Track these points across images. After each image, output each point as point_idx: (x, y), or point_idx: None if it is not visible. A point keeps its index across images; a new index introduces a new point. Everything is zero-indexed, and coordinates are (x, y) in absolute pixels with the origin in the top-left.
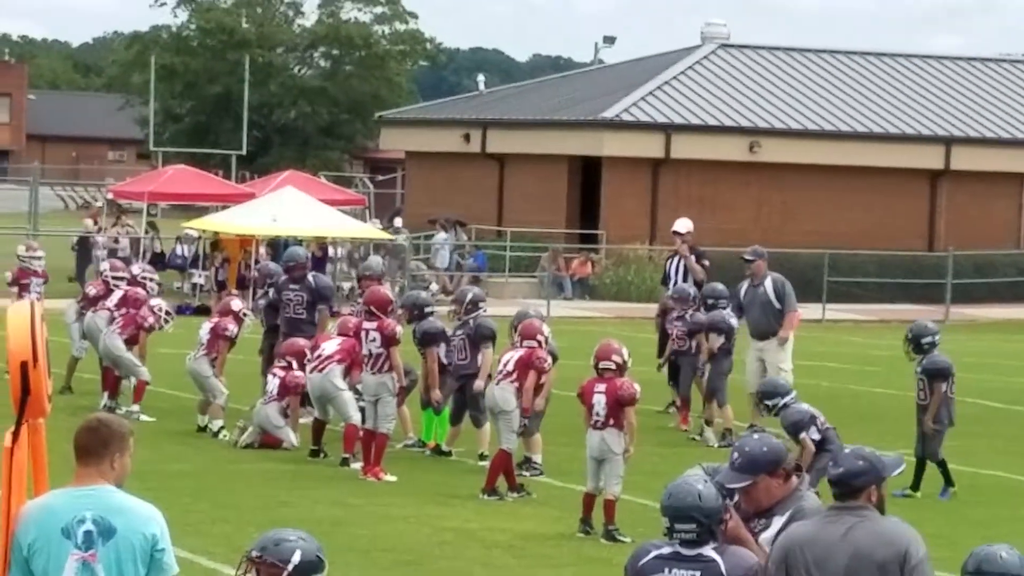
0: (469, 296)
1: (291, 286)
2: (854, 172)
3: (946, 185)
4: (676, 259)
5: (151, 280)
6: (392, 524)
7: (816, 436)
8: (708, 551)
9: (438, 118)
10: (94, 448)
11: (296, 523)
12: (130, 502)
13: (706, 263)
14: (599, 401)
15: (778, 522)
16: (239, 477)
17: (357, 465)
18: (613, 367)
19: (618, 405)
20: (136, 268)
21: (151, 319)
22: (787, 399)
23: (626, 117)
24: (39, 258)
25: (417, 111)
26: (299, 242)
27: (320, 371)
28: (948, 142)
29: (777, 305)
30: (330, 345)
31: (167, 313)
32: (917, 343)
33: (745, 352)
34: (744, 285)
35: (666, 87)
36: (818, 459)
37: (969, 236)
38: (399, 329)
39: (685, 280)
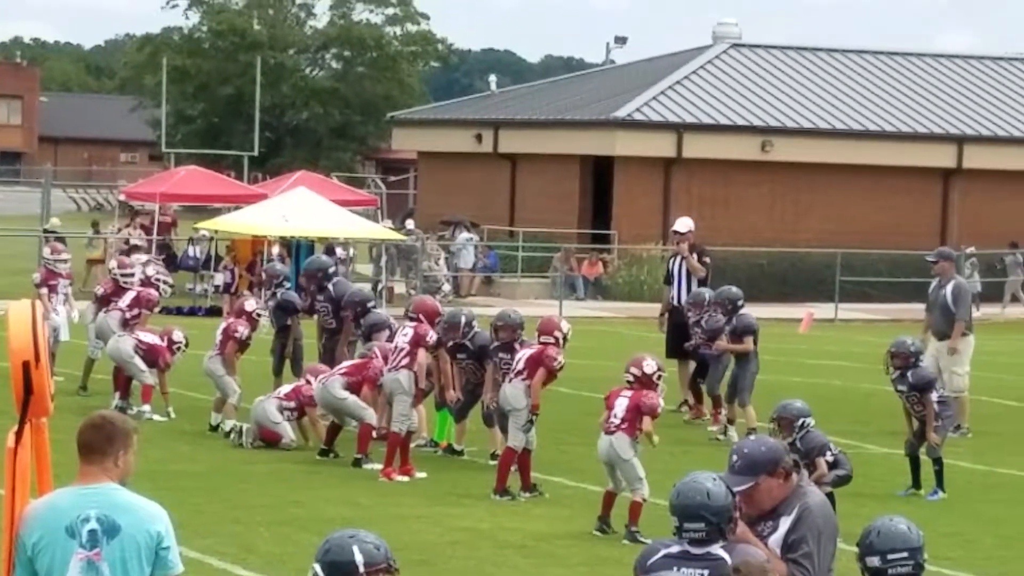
0: (463, 319)
1: (318, 297)
2: (866, 171)
3: (959, 184)
4: (679, 258)
5: (164, 282)
6: (404, 524)
7: (830, 459)
8: (716, 549)
9: (450, 118)
10: (98, 445)
11: (308, 523)
12: (135, 500)
13: (707, 260)
14: (620, 404)
15: (786, 522)
16: (251, 477)
17: (371, 466)
18: (631, 379)
19: (637, 411)
20: (151, 269)
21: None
22: (809, 421)
23: (638, 117)
24: (64, 260)
25: (429, 111)
26: (311, 243)
27: (322, 384)
28: (960, 141)
29: (953, 309)
30: (345, 363)
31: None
32: (904, 359)
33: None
34: (933, 284)
35: (678, 87)
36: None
37: (982, 235)
38: (433, 335)
39: (689, 279)
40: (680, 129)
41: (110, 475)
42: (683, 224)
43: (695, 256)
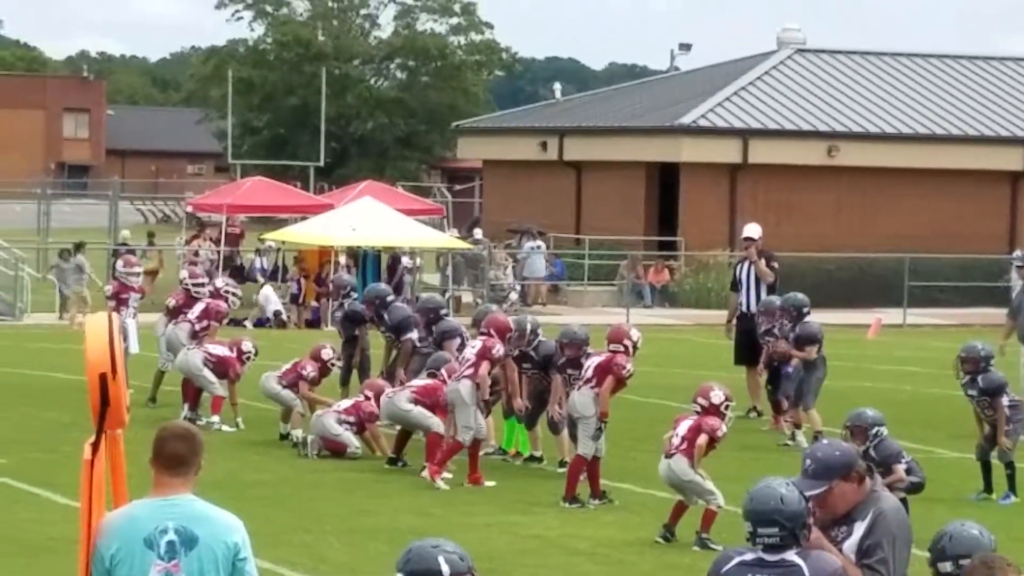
0: (528, 327)
1: (380, 327)
2: (933, 175)
3: None
4: (746, 264)
5: (233, 294)
6: (474, 532)
7: (904, 466)
8: (791, 556)
9: (515, 126)
10: (185, 456)
11: (377, 532)
12: (212, 511)
13: (775, 266)
14: (683, 426)
15: (860, 527)
16: (320, 486)
17: (446, 475)
18: (699, 408)
19: (698, 431)
20: (219, 281)
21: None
22: (883, 430)
23: (703, 123)
24: (137, 274)
25: (494, 120)
26: (378, 253)
27: (388, 397)
28: None
29: None
30: (416, 382)
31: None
32: (974, 364)
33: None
34: (1017, 288)
35: (743, 92)
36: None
37: None
38: (500, 349)
39: (758, 286)
40: (746, 135)
41: (189, 486)
42: (753, 230)
43: (763, 261)
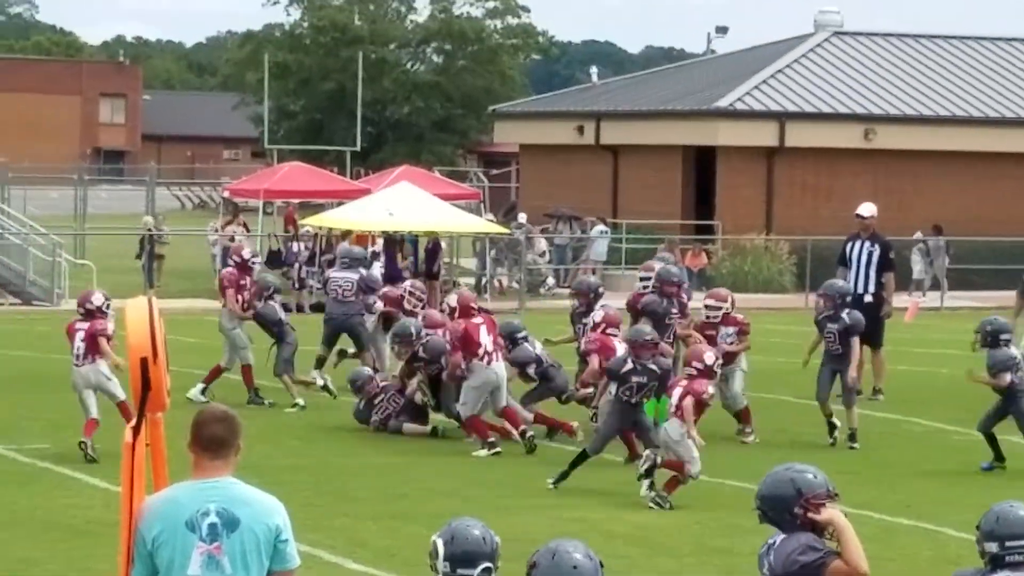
0: (412, 331)
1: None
2: (970, 158)
3: None
4: (858, 243)
5: (256, 263)
6: (511, 516)
7: None
8: None
9: (551, 110)
10: (226, 439)
11: (415, 516)
12: (254, 493)
13: (892, 256)
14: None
15: None
16: (357, 471)
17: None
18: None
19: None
20: (247, 252)
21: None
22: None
23: (740, 106)
24: None
25: (530, 104)
26: (415, 237)
27: None
28: None
29: None
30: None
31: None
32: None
33: None
34: None
35: (780, 75)
36: None
37: None
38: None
39: (868, 266)
40: (782, 118)
41: (229, 468)
42: (867, 208)
43: (878, 247)
